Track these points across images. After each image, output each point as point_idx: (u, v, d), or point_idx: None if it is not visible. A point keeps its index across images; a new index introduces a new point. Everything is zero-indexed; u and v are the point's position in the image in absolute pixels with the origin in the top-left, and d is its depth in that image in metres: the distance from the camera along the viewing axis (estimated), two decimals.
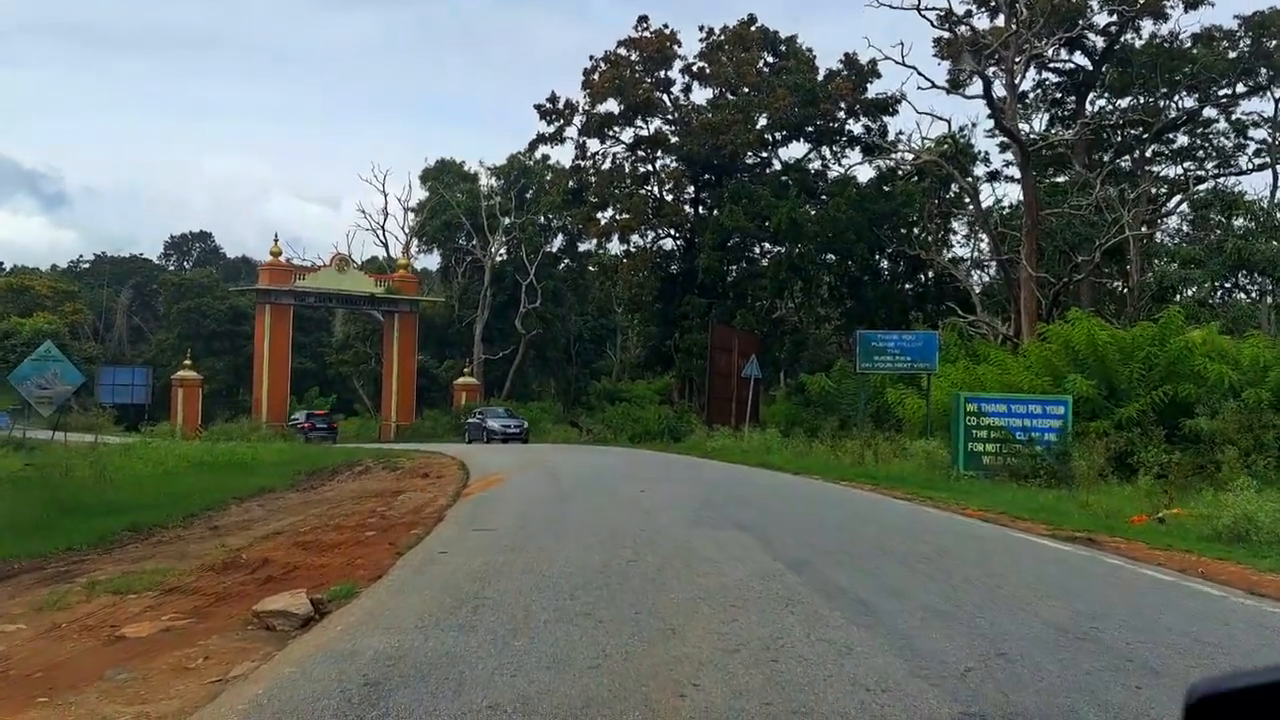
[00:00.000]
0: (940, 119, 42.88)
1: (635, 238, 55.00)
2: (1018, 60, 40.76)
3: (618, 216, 54.61)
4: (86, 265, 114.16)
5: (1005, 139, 50.60)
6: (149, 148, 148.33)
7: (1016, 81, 41.14)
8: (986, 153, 53.29)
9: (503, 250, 69.99)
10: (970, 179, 44.22)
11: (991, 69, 42.74)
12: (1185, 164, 52.86)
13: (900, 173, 50.13)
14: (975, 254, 49.92)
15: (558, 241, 71.85)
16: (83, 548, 12.06)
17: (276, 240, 56.58)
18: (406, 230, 72.08)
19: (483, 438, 46.23)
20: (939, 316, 45.67)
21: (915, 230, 47.66)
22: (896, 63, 39.82)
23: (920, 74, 42.76)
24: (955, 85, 46.01)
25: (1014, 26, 40.49)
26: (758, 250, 53.45)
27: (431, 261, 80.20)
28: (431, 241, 72.35)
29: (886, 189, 49.08)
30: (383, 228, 74.92)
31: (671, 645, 6.67)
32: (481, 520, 14.12)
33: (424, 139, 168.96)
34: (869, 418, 38.65)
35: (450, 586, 8.94)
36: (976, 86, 44.67)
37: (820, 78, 52.76)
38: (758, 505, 16.57)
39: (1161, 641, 7.25)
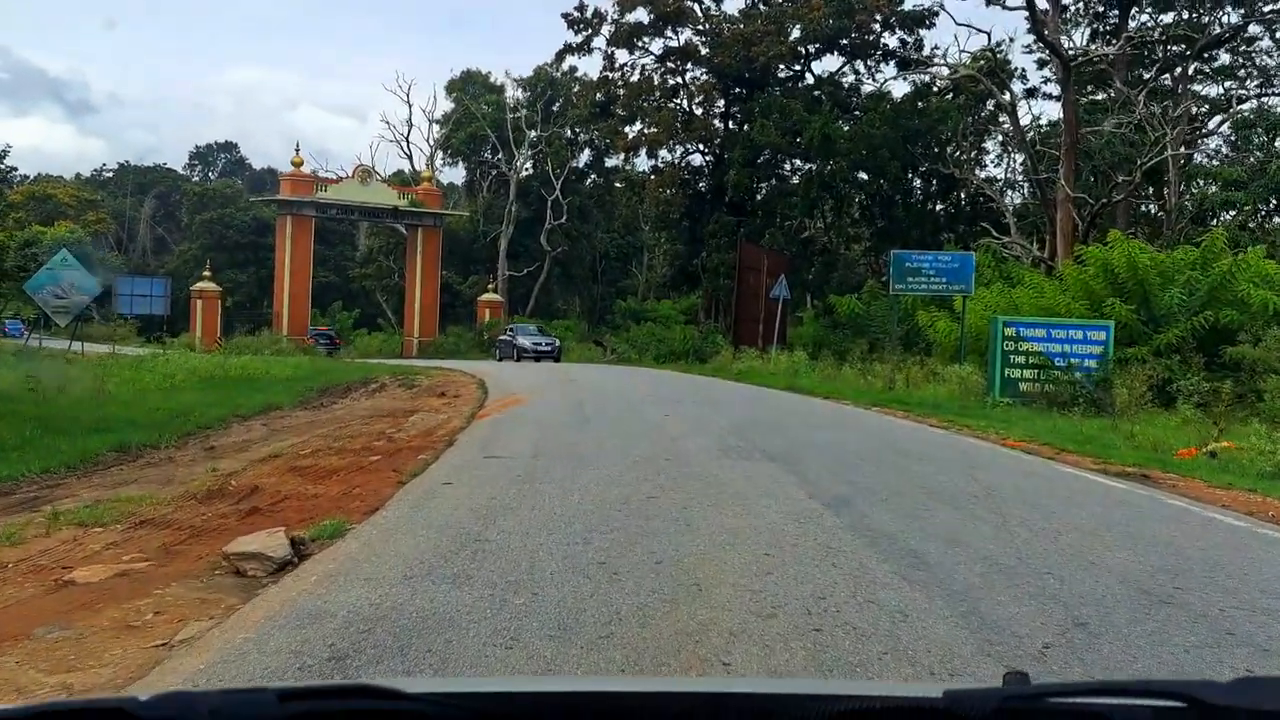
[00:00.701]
0: (980, 31, 41.15)
1: (663, 152, 53.55)
2: None
3: (646, 130, 53.13)
4: (110, 174, 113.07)
5: (1043, 55, 48.93)
6: (175, 57, 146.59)
7: None
8: (1023, 69, 51.38)
9: (529, 165, 68.60)
10: (1008, 95, 42.47)
11: None
12: (1227, 83, 50.94)
13: (936, 89, 48.41)
14: (1009, 174, 48.31)
15: (584, 157, 70.41)
16: (61, 470, 11.14)
17: (298, 150, 55.27)
18: (431, 143, 70.75)
19: (513, 355, 45.28)
20: (971, 238, 44.31)
21: (950, 149, 46.06)
22: None
23: None
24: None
25: None
26: (788, 168, 51.97)
27: (456, 175, 78.89)
28: (456, 155, 70.91)
29: (921, 105, 47.38)
30: (407, 139, 73.39)
31: (697, 606, 5.70)
32: (494, 446, 13.18)
33: (451, 51, 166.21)
34: (899, 341, 37.63)
35: (450, 525, 8.00)
36: (1008, 6, 42.94)
37: None
38: (788, 433, 15.58)
39: (1259, 607, 6.25)
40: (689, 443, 13.46)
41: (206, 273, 55.47)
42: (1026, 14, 38.25)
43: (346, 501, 9.82)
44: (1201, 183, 43.54)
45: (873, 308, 39.89)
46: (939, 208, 49.11)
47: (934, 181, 47.06)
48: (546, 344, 45.92)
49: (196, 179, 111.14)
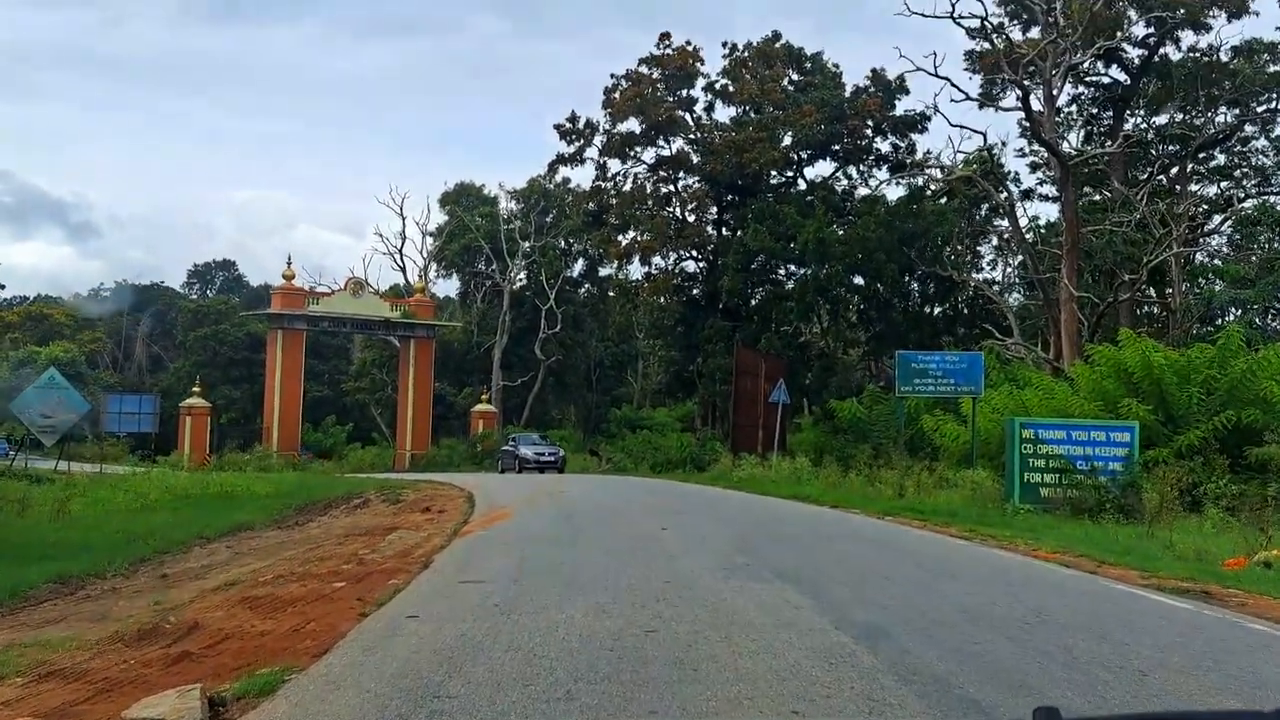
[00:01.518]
0: (975, 131, 40.54)
1: (657, 259, 52.63)
2: (1054, 72, 38.33)
3: (639, 238, 52.30)
4: (107, 294, 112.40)
5: (1038, 156, 48.36)
6: (174, 178, 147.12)
7: (1054, 93, 38.68)
8: (1017, 173, 50.87)
9: (522, 275, 67.78)
10: (1005, 195, 41.68)
11: (1027, 82, 40.37)
12: (1223, 183, 50.36)
13: (930, 191, 47.70)
14: (1007, 276, 47.38)
15: (578, 266, 69.74)
16: None
17: (290, 263, 54.37)
18: (425, 255, 69.98)
19: (515, 466, 43.39)
20: (971, 341, 43.17)
21: (946, 251, 45.14)
22: (929, 73, 37.51)
23: (954, 85, 40.02)
24: (988, 99, 43.71)
25: (1051, 36, 38.03)
26: (782, 272, 51.01)
27: (450, 288, 78.12)
28: (450, 266, 70.18)
29: (916, 208, 46.60)
30: (400, 252, 72.63)
31: None
32: (473, 567, 11.70)
33: (445, 167, 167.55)
34: (904, 446, 36.19)
35: (406, 674, 6.53)
36: (1010, 100, 42.44)
37: (847, 94, 50.43)
38: (800, 547, 14.08)
39: None
40: (690, 561, 11.97)
41: (196, 389, 54.16)
42: (1022, 115, 37.51)
43: (295, 640, 8.38)
44: (1205, 281, 42.52)
45: (874, 412, 38.46)
46: (937, 311, 48.02)
47: (931, 284, 46.05)
48: (550, 454, 44.23)
49: (195, 297, 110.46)
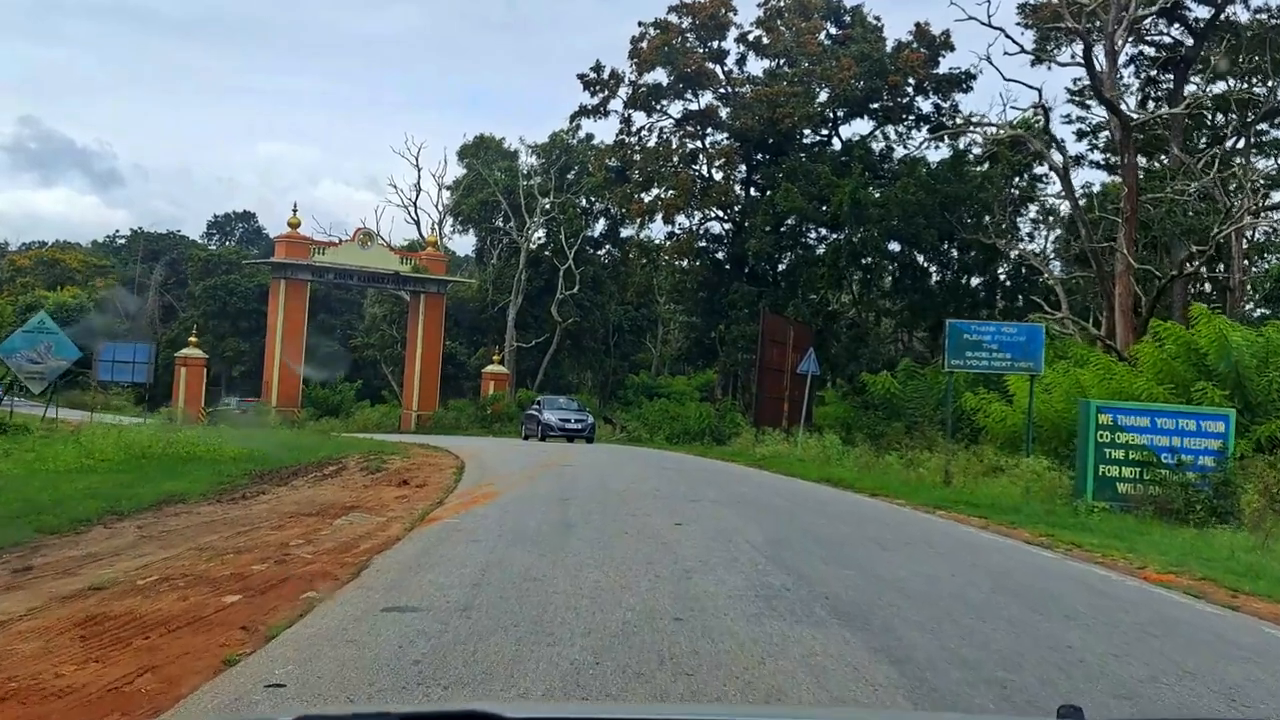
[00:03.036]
0: (1030, 87, 36.76)
1: (681, 219, 49.35)
2: (1116, 26, 34.72)
3: (662, 195, 48.98)
4: (123, 240, 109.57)
5: (1084, 123, 44.77)
6: (200, 131, 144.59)
7: (1116, 48, 35.08)
8: (1063, 140, 47.19)
9: (541, 233, 64.52)
10: (1059, 156, 38.14)
11: (1091, 34, 36.77)
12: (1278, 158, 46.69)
13: (973, 155, 44.12)
14: (1053, 246, 43.79)
15: (599, 226, 66.41)
16: None
17: (295, 211, 51.05)
18: (440, 208, 66.74)
19: (539, 434, 38.98)
20: (1013, 315, 39.82)
21: (991, 217, 41.69)
22: (981, 23, 33.94)
23: (1008, 36, 36.29)
24: (1041, 56, 40.04)
25: None
26: (813, 236, 47.62)
27: (466, 244, 75.04)
28: (467, 221, 66.90)
29: (960, 170, 43.11)
30: (415, 204, 69.23)
31: None
32: (417, 580, 8.58)
33: (469, 125, 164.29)
34: (938, 425, 32.99)
35: None
36: (1067, 55, 38.93)
37: (888, 50, 46.86)
38: (849, 557, 10.89)
39: None
40: (711, 581, 8.81)
41: (193, 338, 51.30)
42: (1079, 73, 34.02)
43: (101, 711, 5.35)
44: (1263, 258, 39.00)
45: (909, 387, 35.26)
46: (975, 281, 44.57)
47: (973, 251, 42.56)
48: (577, 421, 39.34)
49: (214, 247, 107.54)
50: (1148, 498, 17.56)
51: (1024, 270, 42.01)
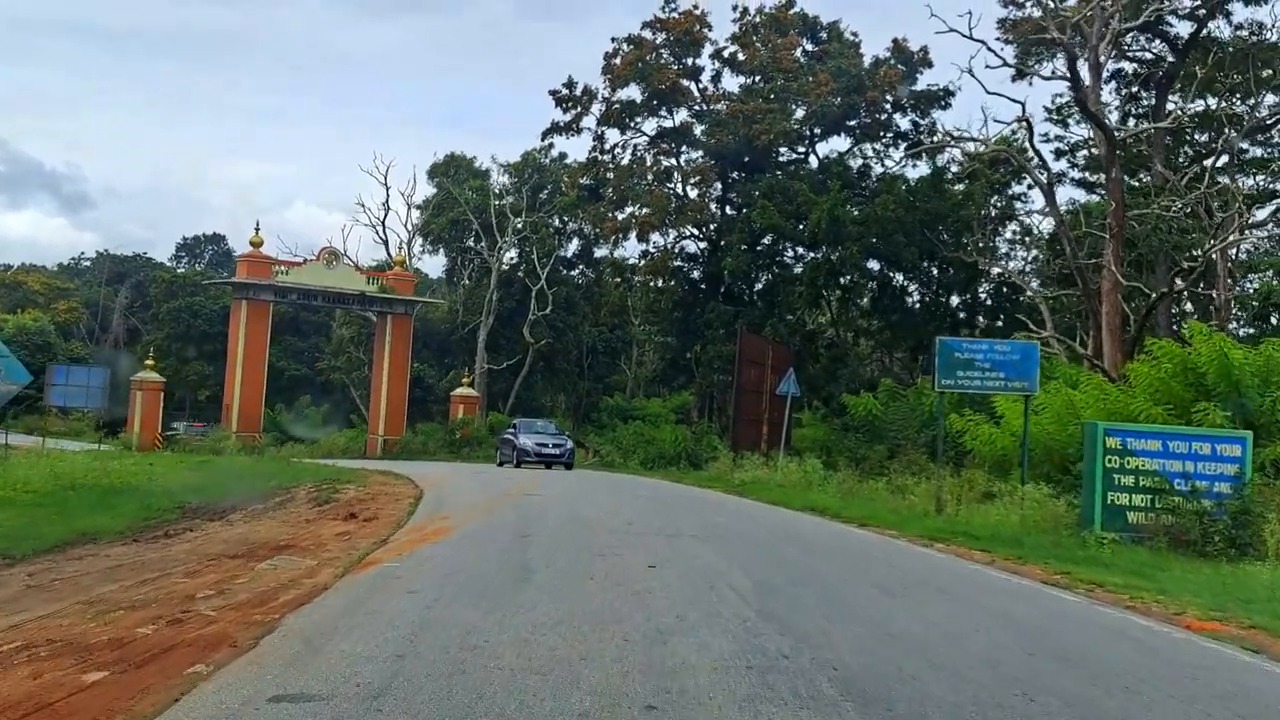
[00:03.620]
0: (1014, 100, 35.26)
1: (656, 237, 47.77)
2: (1100, 38, 33.45)
3: (636, 213, 47.46)
4: (89, 263, 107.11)
5: (1063, 142, 43.56)
6: (171, 152, 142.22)
7: (1101, 60, 33.81)
8: (1042, 158, 45.76)
9: (513, 253, 62.87)
10: (1044, 172, 36.78)
11: (1075, 48, 35.55)
12: (1259, 176, 45.55)
13: (953, 172, 42.77)
14: (1033, 264, 42.39)
15: (573, 246, 64.85)
16: None
17: (258, 229, 49.31)
18: (409, 227, 64.92)
19: (513, 459, 36.19)
20: (995, 334, 38.42)
21: (972, 234, 40.31)
22: (963, 35, 32.58)
23: (990, 49, 34.99)
24: (1023, 72, 38.77)
25: None
26: (790, 255, 46.14)
27: (436, 265, 73.22)
28: (437, 241, 65.13)
29: (940, 187, 41.76)
30: (383, 224, 67.25)
31: None
32: (331, 647, 6.90)
33: (440, 145, 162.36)
34: (922, 447, 31.51)
35: None
36: (1048, 70, 37.65)
37: (866, 66, 45.56)
38: (850, 607, 9.28)
39: None
40: (692, 644, 7.16)
41: (149, 361, 49.29)
42: (1061, 87, 32.74)
43: None
44: (1257, 276, 37.75)
45: (891, 409, 33.75)
46: (955, 300, 43.15)
47: (952, 270, 41.16)
48: (555, 446, 36.46)
49: (182, 270, 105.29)
50: (1161, 528, 16.06)
51: (1005, 289, 40.66)
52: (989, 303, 41.64)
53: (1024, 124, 34.21)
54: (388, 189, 67.47)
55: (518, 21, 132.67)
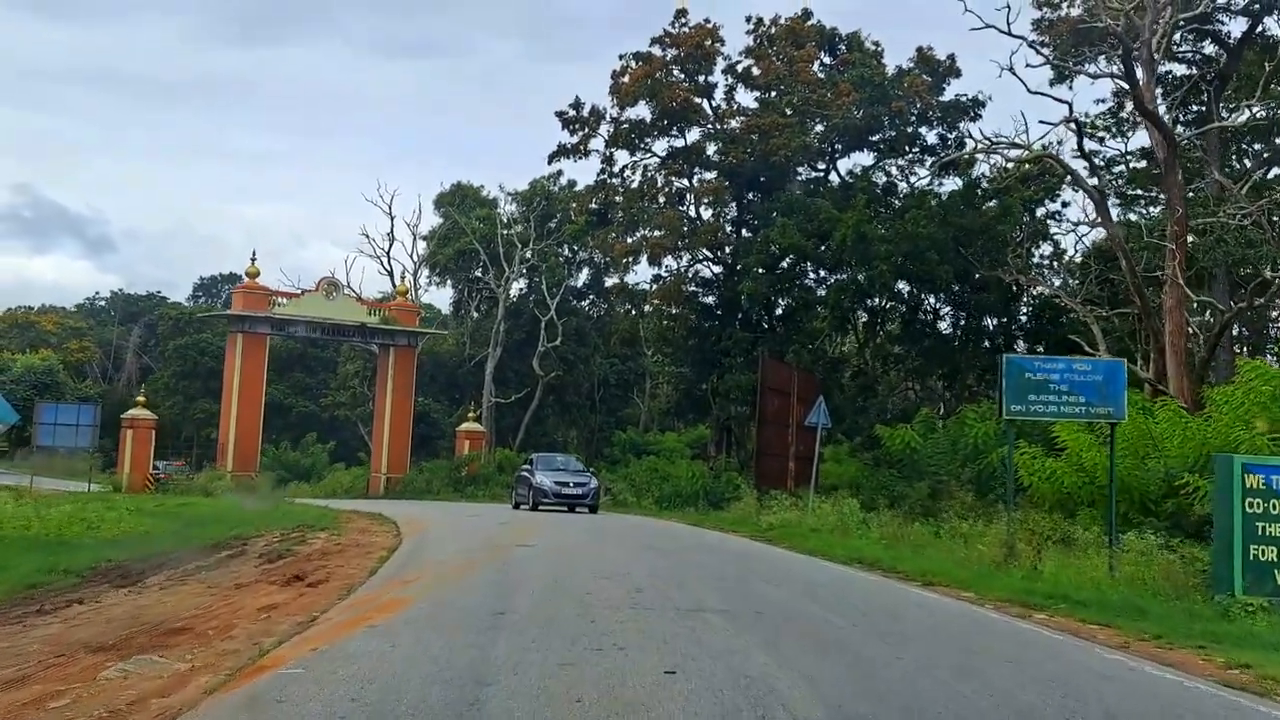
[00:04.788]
0: (1059, 100, 31.54)
1: (669, 260, 44.18)
2: (1154, 29, 29.88)
3: (648, 234, 43.94)
4: (103, 303, 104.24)
5: (1100, 152, 39.86)
6: (190, 194, 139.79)
7: (1155, 56, 30.22)
8: (1091, 162, 41.89)
9: (521, 283, 59.43)
10: (1095, 181, 33.03)
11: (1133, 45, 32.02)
12: None
13: (984, 186, 39.06)
14: (1076, 281, 38.44)
15: (583, 276, 61.44)
16: None
17: (254, 260, 45.98)
18: (415, 258, 61.53)
19: (529, 500, 30.96)
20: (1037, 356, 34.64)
21: (1011, 252, 36.64)
22: (1001, 31, 28.80)
23: (1031, 45, 31.28)
24: (1063, 74, 35.18)
25: None
26: (812, 277, 42.52)
27: (443, 298, 69.82)
28: (444, 272, 61.74)
29: (975, 200, 38.13)
30: (388, 254, 63.66)
31: None
32: None
33: (448, 177, 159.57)
34: (968, 485, 27.77)
35: None
36: (1092, 71, 34.02)
37: (889, 75, 42.06)
38: None
39: None
40: None
41: (140, 398, 45.82)
42: (1123, 80, 29.18)
43: None
44: None
45: (929, 442, 29.97)
46: (992, 323, 39.34)
47: (989, 291, 37.41)
48: (577, 485, 30.92)
49: (189, 307, 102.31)
50: None
51: (1047, 311, 36.87)
52: (1030, 325, 37.86)
53: (1071, 124, 30.51)
54: (392, 219, 64.06)
55: (528, 64, 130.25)
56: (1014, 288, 36.72)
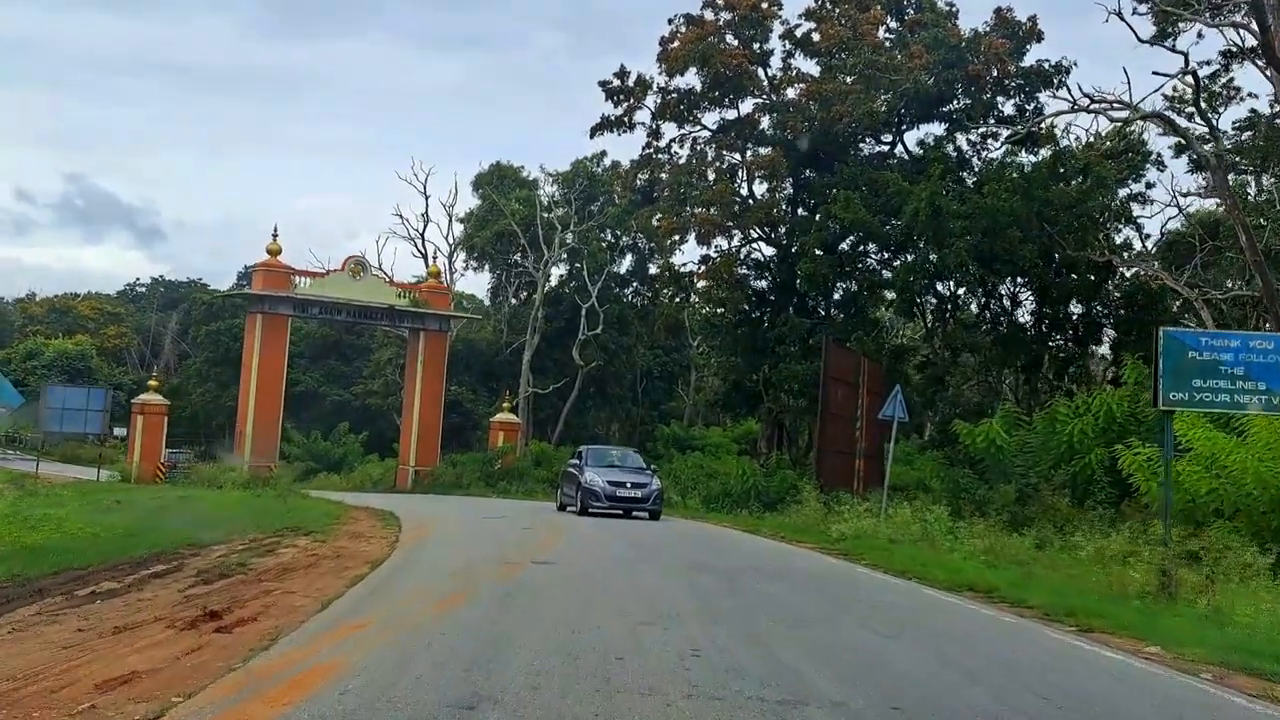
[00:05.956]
0: (1175, 51, 26.93)
1: (720, 240, 40.03)
2: None
3: (696, 212, 39.81)
4: (143, 289, 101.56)
5: (1182, 141, 35.27)
6: (240, 185, 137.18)
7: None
8: (1160, 155, 37.40)
9: (561, 268, 55.68)
10: (1210, 146, 28.49)
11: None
12: None
13: (1075, 156, 34.54)
14: (1162, 256, 33.89)
15: (626, 262, 57.48)
16: None
17: (275, 235, 42.13)
18: (450, 239, 57.75)
19: (576, 502, 25.18)
20: (1131, 346, 30.21)
21: (1103, 228, 32.30)
22: None
23: None
24: (1165, 31, 30.75)
25: None
26: (874, 259, 38.25)
27: (480, 283, 66.10)
28: (481, 257, 57.99)
29: (1062, 171, 33.67)
30: (422, 236, 59.59)
31: None
32: None
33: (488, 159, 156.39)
34: (1062, 489, 23.62)
35: None
36: (1192, 36, 29.58)
37: (965, 37, 37.63)
38: None
39: None
40: None
41: (153, 382, 42.41)
42: (1254, 25, 24.72)
43: None
44: None
45: (1019, 439, 25.64)
46: (1075, 309, 34.84)
47: (1075, 273, 32.99)
48: (635, 486, 24.92)
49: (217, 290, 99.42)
50: None
51: (1141, 296, 32.44)
52: (1123, 311, 33.33)
53: (1189, 76, 26.17)
54: (426, 198, 59.87)
55: (572, 60, 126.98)
56: (1107, 268, 32.29)
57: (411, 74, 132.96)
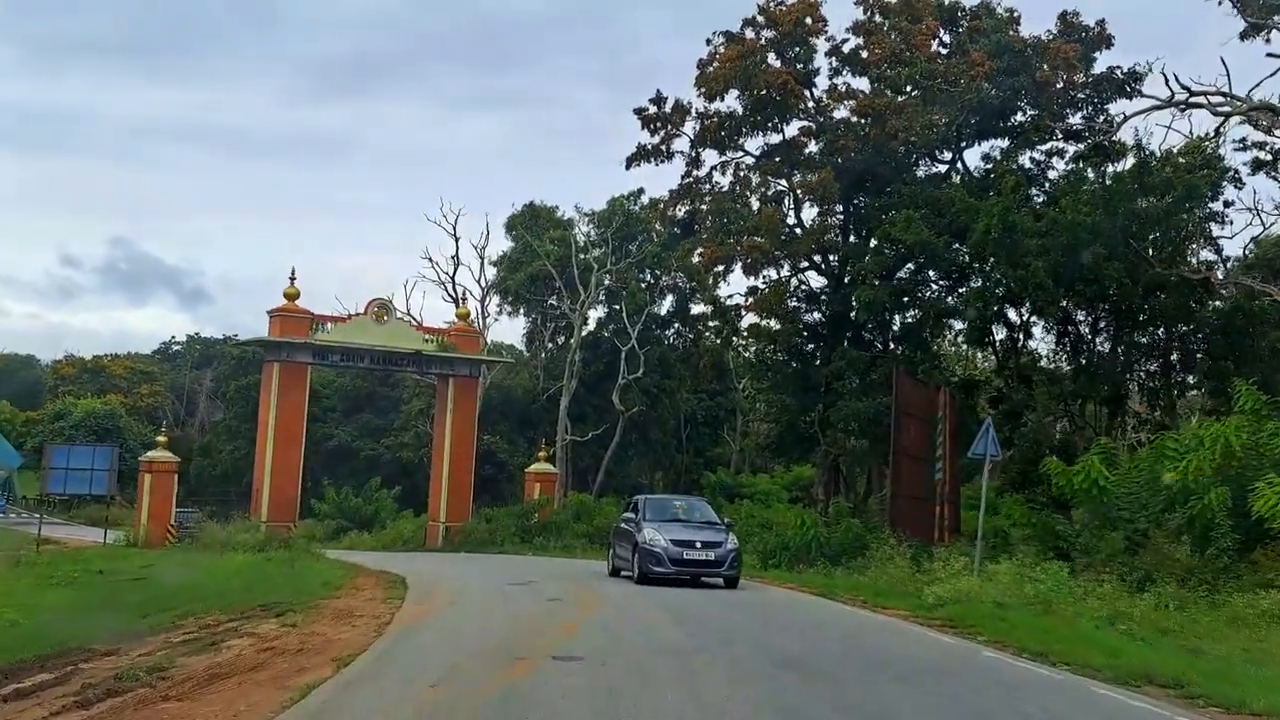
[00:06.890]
0: (1272, 56, 23.62)
1: (769, 272, 36.66)
2: None
3: (742, 240, 36.44)
4: (179, 346, 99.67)
5: (1263, 145, 31.52)
6: (284, 246, 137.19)
7: None
8: (1236, 170, 33.61)
9: (600, 310, 52.50)
10: None
11: None
12: None
13: (1160, 165, 30.87)
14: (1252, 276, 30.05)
15: (666, 304, 54.21)
16: None
17: (293, 279, 39.12)
18: (482, 283, 54.67)
19: (632, 567, 19.87)
20: (1227, 378, 26.39)
21: (1194, 244, 28.66)
22: None
23: None
24: (1257, 25, 27.20)
25: None
26: (937, 285, 34.69)
27: (515, 329, 63.01)
28: (515, 300, 54.90)
29: (1146, 182, 29.94)
30: (452, 279, 56.20)
31: None
32: None
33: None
34: (1178, 536, 19.93)
35: None
36: None
37: (1028, 44, 34.22)
38: None
39: None
40: None
41: (161, 438, 39.27)
42: None
43: None
44: None
45: (1118, 477, 21.84)
46: (1161, 331, 31.04)
47: (1166, 292, 29.24)
48: (707, 545, 19.60)
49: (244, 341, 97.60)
50: None
51: (1239, 318, 28.67)
52: (1217, 336, 29.50)
53: None
54: (456, 240, 56.46)
55: (610, 114, 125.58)
56: (1204, 287, 28.55)
57: (451, 132, 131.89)
